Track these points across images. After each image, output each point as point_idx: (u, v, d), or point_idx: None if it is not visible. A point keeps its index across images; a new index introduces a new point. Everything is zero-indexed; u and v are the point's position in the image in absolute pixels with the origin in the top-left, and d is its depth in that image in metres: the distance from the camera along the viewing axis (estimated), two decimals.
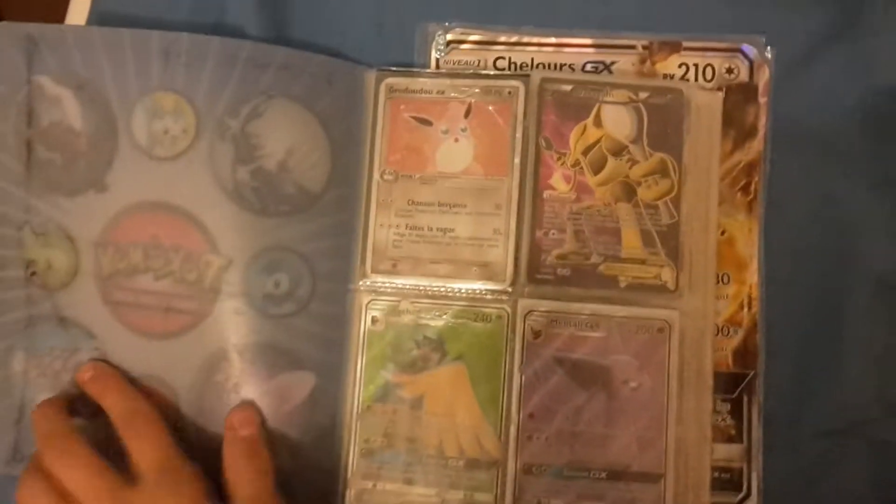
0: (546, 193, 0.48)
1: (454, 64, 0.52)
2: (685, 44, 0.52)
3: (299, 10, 0.53)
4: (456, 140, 0.49)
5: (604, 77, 0.51)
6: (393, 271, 0.49)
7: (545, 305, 0.47)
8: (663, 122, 0.49)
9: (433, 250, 0.48)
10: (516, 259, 0.48)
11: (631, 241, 0.48)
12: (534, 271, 0.48)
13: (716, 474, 0.48)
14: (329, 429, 0.47)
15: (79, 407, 0.46)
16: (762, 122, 0.51)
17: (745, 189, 0.50)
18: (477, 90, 0.49)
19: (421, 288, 0.48)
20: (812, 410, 0.49)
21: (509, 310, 0.48)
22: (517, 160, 0.49)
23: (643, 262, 0.48)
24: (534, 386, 0.47)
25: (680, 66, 0.52)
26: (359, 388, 0.48)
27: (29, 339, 0.47)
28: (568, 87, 0.49)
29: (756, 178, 0.51)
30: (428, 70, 0.52)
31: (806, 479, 0.49)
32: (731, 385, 0.49)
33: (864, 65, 0.51)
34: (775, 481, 0.49)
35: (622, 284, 0.48)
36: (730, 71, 0.51)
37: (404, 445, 0.47)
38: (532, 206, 0.48)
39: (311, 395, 0.47)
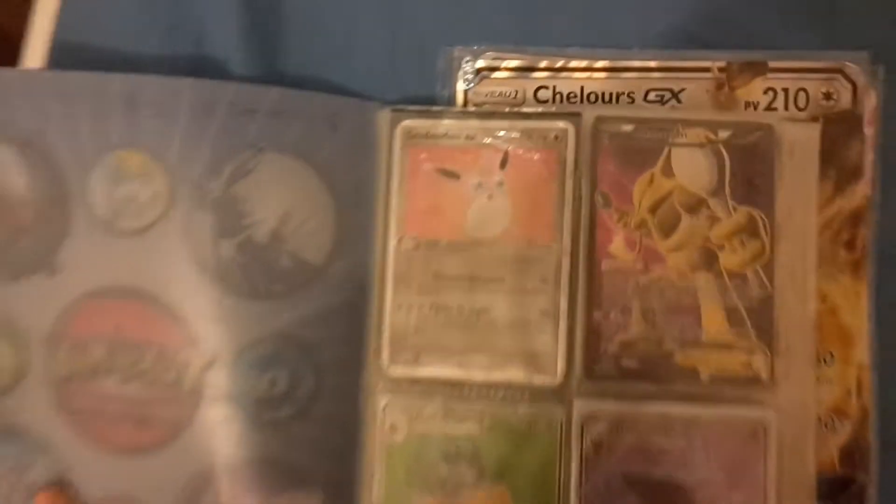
0: (605, 263, 0.39)
1: (486, 96, 0.43)
2: (772, 64, 0.42)
3: (293, 37, 0.44)
4: (490, 197, 0.40)
5: (674, 112, 0.41)
6: (415, 363, 0.40)
7: (607, 407, 0.38)
8: (750, 168, 0.39)
9: (465, 337, 0.40)
10: (569, 348, 0.39)
11: (713, 322, 0.39)
12: (592, 363, 0.39)
13: None
14: None
15: None
16: (868, 159, 0.41)
17: (849, 245, 0.41)
18: (515, 134, 0.40)
19: (451, 386, 0.40)
20: None
21: (562, 414, 0.39)
22: (567, 222, 0.40)
23: (729, 347, 0.39)
24: None
25: (766, 91, 0.42)
26: None
27: None
28: (629, 128, 0.40)
29: (862, 231, 0.41)
30: (454, 109, 0.42)
31: None
32: (836, 491, 0.40)
33: None
34: None
35: (704, 377, 0.38)
36: (828, 96, 0.41)
37: None
38: (587, 281, 0.39)
39: None
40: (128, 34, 0.45)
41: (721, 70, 0.42)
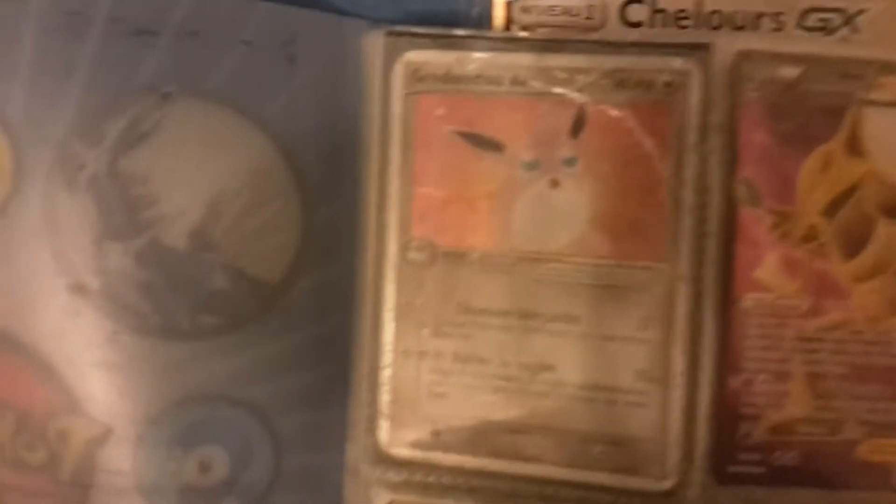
0: (748, 299, 0.25)
1: (542, 13, 0.27)
2: None
3: None
4: (555, 184, 0.26)
5: (861, 49, 0.25)
6: (432, 444, 0.26)
7: None
8: None
9: (513, 408, 0.26)
10: (687, 433, 0.25)
11: None
12: (724, 457, 0.25)
13: None
14: None
15: None
16: None
17: None
18: (596, 79, 0.25)
19: (489, 481, 0.26)
20: None
21: None
22: (687, 229, 0.25)
23: None
24: None
25: None
26: None
27: None
28: (793, 72, 0.25)
29: None
30: (490, 34, 0.27)
31: None
32: None
33: None
34: None
35: None
36: None
37: None
38: (719, 326, 0.25)
39: None
40: None
41: None
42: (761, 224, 0.25)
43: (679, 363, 0.25)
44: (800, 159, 0.25)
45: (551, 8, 0.27)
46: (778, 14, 0.27)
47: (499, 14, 0.27)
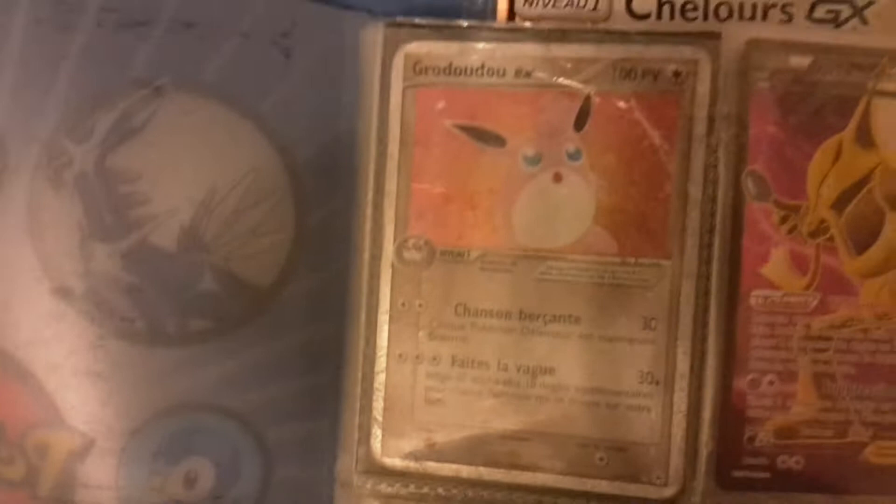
0: (755, 296, 0.24)
1: (547, 4, 0.26)
2: None
3: None
4: (559, 178, 0.25)
5: (871, 37, 0.25)
6: (428, 453, 0.26)
7: None
8: None
9: (512, 414, 0.25)
10: (691, 437, 0.24)
11: None
12: (729, 462, 0.25)
13: None
14: None
15: None
16: None
17: None
18: (602, 69, 0.25)
19: (485, 491, 0.25)
20: None
21: None
22: (693, 223, 0.24)
23: None
24: None
25: None
26: None
27: None
28: (803, 61, 0.24)
29: None
30: (493, 24, 0.26)
31: None
32: None
33: None
34: None
35: None
36: None
37: None
38: (725, 324, 0.24)
39: None
40: None
41: None
42: (769, 218, 0.24)
43: (684, 364, 0.24)
44: (810, 151, 0.24)
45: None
46: (786, 6, 0.26)
47: (502, 7, 0.27)
